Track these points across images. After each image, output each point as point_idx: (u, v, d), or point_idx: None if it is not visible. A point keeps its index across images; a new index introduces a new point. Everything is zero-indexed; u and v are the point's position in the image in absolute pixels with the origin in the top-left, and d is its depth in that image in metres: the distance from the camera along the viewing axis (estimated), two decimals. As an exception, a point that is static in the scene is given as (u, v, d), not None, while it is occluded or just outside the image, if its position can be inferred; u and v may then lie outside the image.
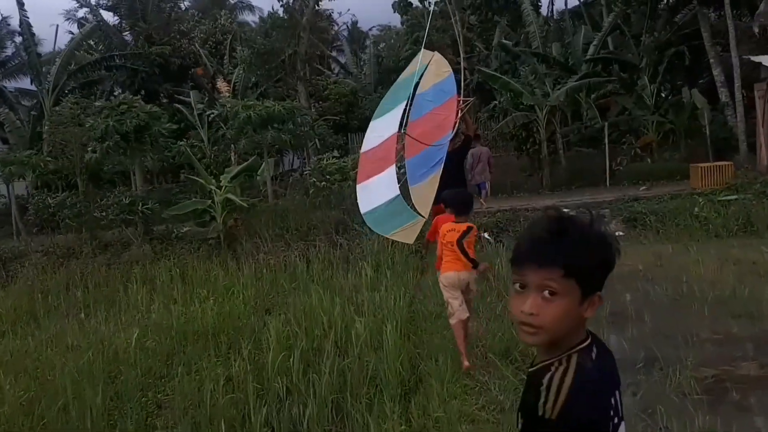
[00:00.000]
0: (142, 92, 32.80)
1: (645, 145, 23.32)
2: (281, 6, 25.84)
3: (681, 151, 23.04)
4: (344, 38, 52.06)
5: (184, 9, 42.95)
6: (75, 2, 37.52)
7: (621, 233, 15.01)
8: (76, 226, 17.04)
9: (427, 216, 9.02)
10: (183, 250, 16.21)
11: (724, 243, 13.36)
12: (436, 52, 11.39)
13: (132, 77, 33.36)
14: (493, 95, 28.73)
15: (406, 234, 9.11)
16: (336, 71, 44.33)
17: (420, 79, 10.68)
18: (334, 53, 49.20)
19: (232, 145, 20.46)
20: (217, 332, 9.25)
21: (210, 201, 16.21)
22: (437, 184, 8.96)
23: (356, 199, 10.00)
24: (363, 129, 29.67)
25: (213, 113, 21.10)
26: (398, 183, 9.69)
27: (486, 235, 15.29)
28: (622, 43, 28.60)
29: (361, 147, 10.90)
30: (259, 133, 17.68)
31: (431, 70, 10.70)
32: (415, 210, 9.11)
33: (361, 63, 41.20)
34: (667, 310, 9.11)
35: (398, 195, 9.44)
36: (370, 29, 52.40)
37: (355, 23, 54.43)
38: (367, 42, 43.87)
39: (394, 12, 38.94)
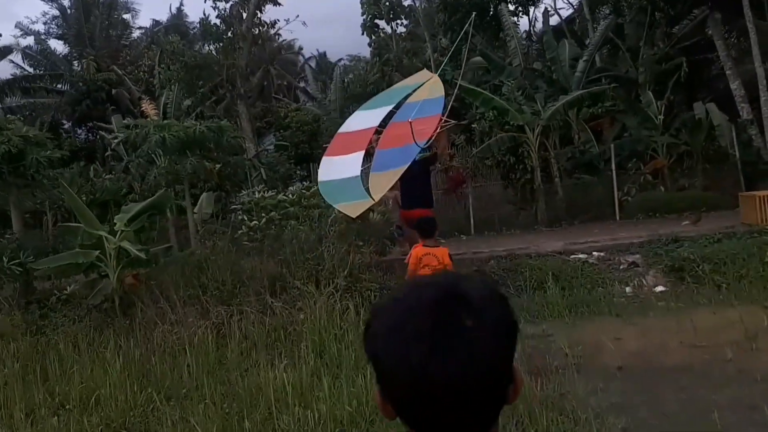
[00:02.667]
0: (91, 122, 30.16)
1: (654, 171, 19.04)
2: (217, 17, 20.95)
3: (699, 176, 18.72)
4: (311, 69, 49.14)
5: (136, 38, 39.27)
6: (18, 30, 33.58)
7: (663, 288, 10.55)
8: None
9: (377, 200, 10.04)
10: (66, 318, 11.42)
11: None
12: (435, 75, 12.14)
13: (74, 105, 29.45)
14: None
15: (353, 209, 10.07)
16: (306, 104, 40.52)
17: (413, 91, 11.43)
18: (302, 84, 46.54)
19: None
20: None
21: (98, 251, 11.43)
22: (395, 180, 10.24)
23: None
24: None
25: (117, 137, 15.93)
26: (361, 167, 10.51)
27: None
28: (614, 57, 24.53)
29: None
30: (177, 160, 12.98)
31: (426, 87, 11.31)
32: (368, 193, 9.83)
33: (328, 90, 37.24)
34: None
35: (357, 176, 10.26)
36: (340, 60, 49.58)
37: (323, 54, 51.84)
38: (336, 71, 40.24)
39: (363, 34, 35.11)
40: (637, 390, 6.60)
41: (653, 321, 8.89)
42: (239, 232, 12.42)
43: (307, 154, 28.60)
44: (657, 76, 21.41)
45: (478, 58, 21.85)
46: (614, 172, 17.61)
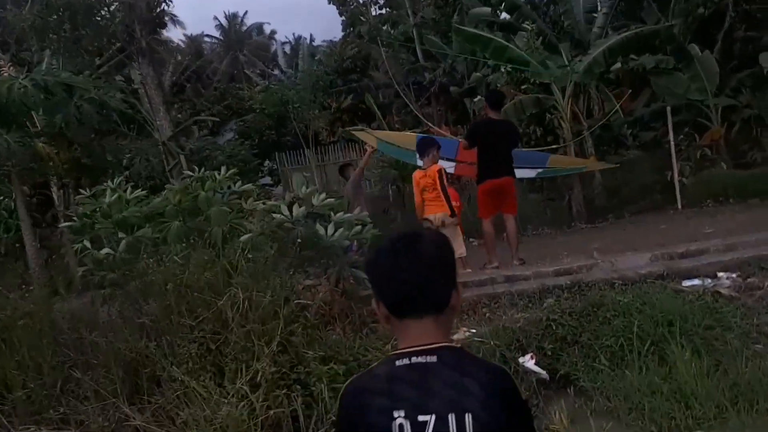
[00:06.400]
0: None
1: (710, 143, 13.60)
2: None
3: (765, 146, 13.35)
4: (284, 53, 44.36)
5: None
6: None
7: None
8: None
9: None
10: None
11: None
12: None
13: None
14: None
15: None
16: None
17: None
18: (276, 72, 41.72)
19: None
20: None
21: None
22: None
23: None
24: (298, 146, 19.74)
25: None
26: None
27: (531, 362, 5.44)
28: (635, 10, 18.91)
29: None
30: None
31: None
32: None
33: (299, 69, 31.38)
34: None
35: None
36: (312, 41, 44.49)
37: (298, 38, 46.58)
38: (303, 45, 35.20)
39: (329, 3, 29.31)
40: None
41: None
42: (82, 269, 6.52)
43: (274, 141, 22.86)
44: (698, 27, 15.86)
45: (484, 9, 15.86)
46: (672, 144, 12.06)
